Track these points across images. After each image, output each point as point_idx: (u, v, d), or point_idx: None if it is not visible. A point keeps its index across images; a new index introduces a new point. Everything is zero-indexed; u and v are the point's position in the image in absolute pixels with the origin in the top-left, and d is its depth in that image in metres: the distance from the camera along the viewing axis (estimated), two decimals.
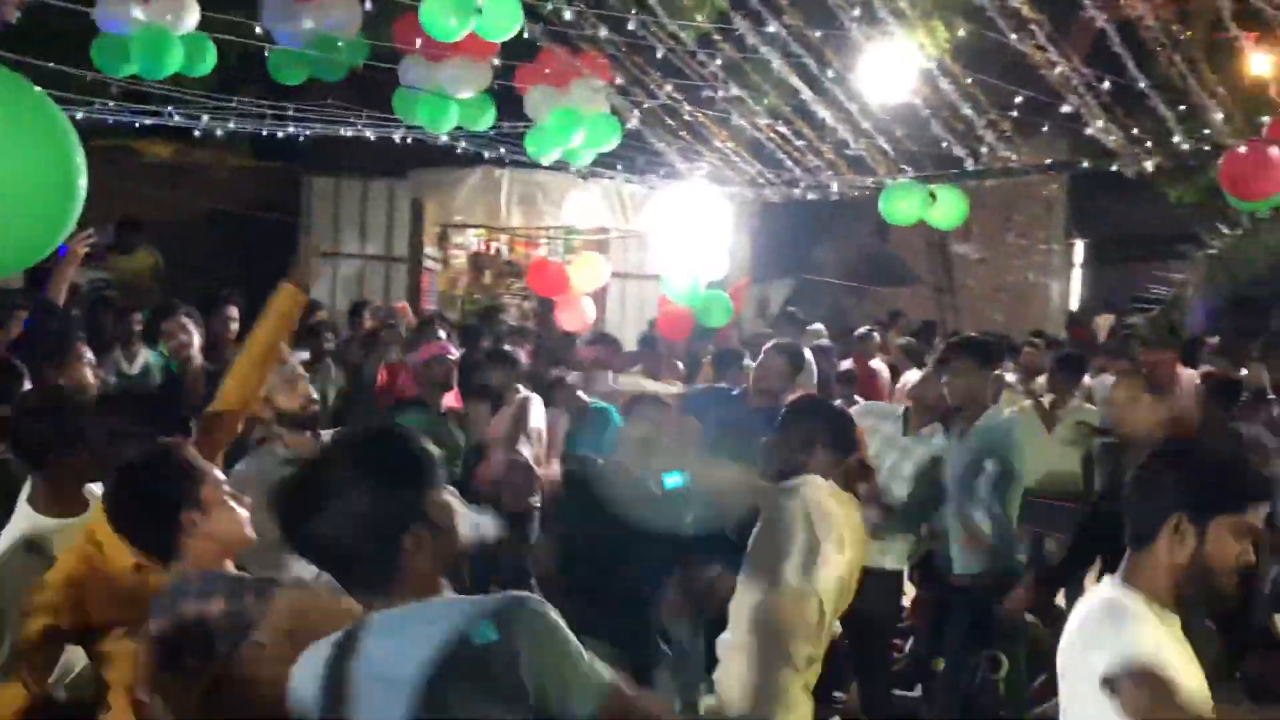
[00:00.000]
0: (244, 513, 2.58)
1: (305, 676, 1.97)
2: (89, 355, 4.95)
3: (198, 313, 6.92)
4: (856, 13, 6.61)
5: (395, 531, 1.89)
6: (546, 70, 7.94)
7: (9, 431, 3.29)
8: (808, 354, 6.08)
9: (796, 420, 3.77)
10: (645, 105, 8.00)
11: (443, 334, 7.89)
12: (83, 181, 1.71)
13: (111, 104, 7.48)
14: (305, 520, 1.91)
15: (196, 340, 6.63)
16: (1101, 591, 2.36)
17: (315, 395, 4.04)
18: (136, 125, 7.85)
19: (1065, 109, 6.87)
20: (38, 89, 1.72)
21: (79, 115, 6.99)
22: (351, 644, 1.92)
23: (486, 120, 8.22)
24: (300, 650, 2.06)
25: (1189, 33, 6.78)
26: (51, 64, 5.90)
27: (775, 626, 3.47)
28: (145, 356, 7.07)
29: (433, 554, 1.93)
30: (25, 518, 3.10)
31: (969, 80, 7.17)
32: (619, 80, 7.95)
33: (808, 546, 3.43)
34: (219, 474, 2.70)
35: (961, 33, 7.42)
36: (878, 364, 8.72)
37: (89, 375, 4.89)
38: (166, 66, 6.72)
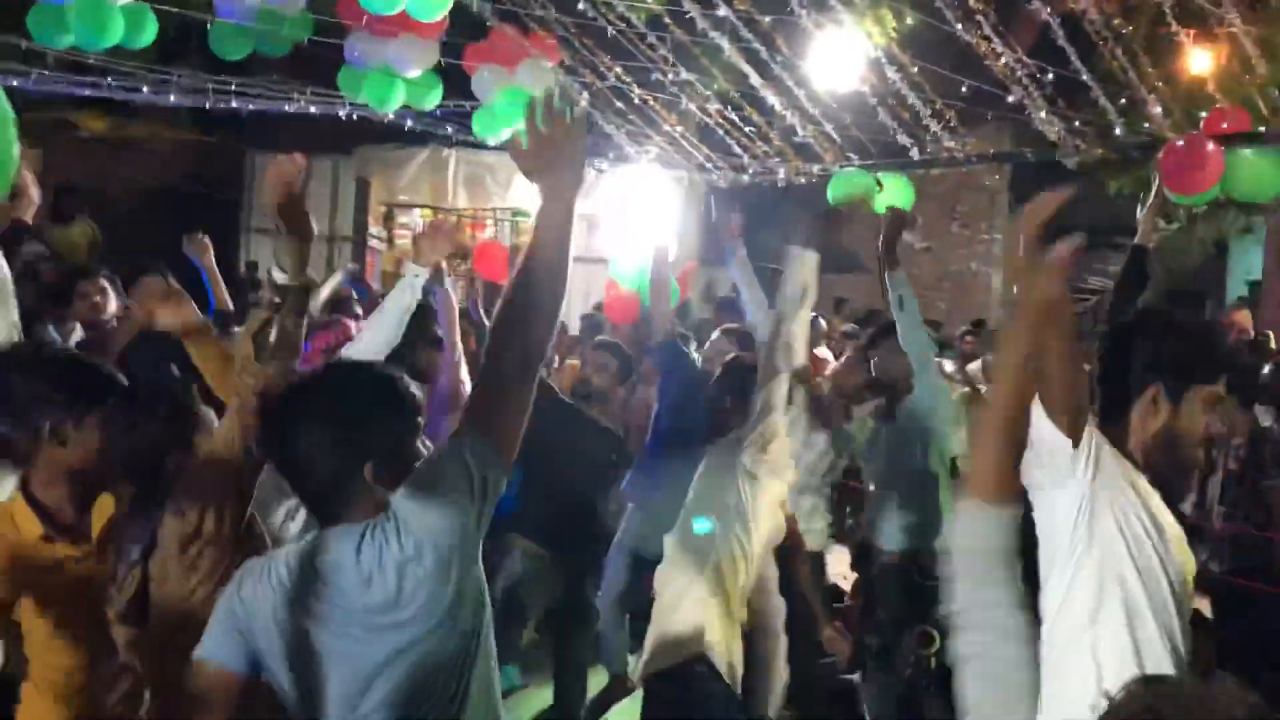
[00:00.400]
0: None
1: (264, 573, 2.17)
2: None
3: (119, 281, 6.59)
4: None
5: (356, 464, 2.11)
6: (495, 50, 7.87)
7: None
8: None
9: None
10: (594, 87, 7.96)
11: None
12: (15, 151, 1.67)
13: (48, 74, 7.29)
14: (281, 445, 2.16)
15: (112, 305, 6.24)
16: None
17: None
18: (73, 96, 7.65)
19: (1009, 100, 6.95)
20: None
21: (14, 84, 6.80)
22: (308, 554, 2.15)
23: (433, 99, 8.13)
24: None
25: (1131, 28, 6.89)
26: None
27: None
28: (80, 332, 6.89)
29: (387, 489, 2.13)
30: None
31: (916, 70, 7.23)
32: (568, 61, 7.90)
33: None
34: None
35: (910, 20, 7.47)
36: (823, 351, 8.79)
37: None
38: (106, 38, 6.56)
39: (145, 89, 7.78)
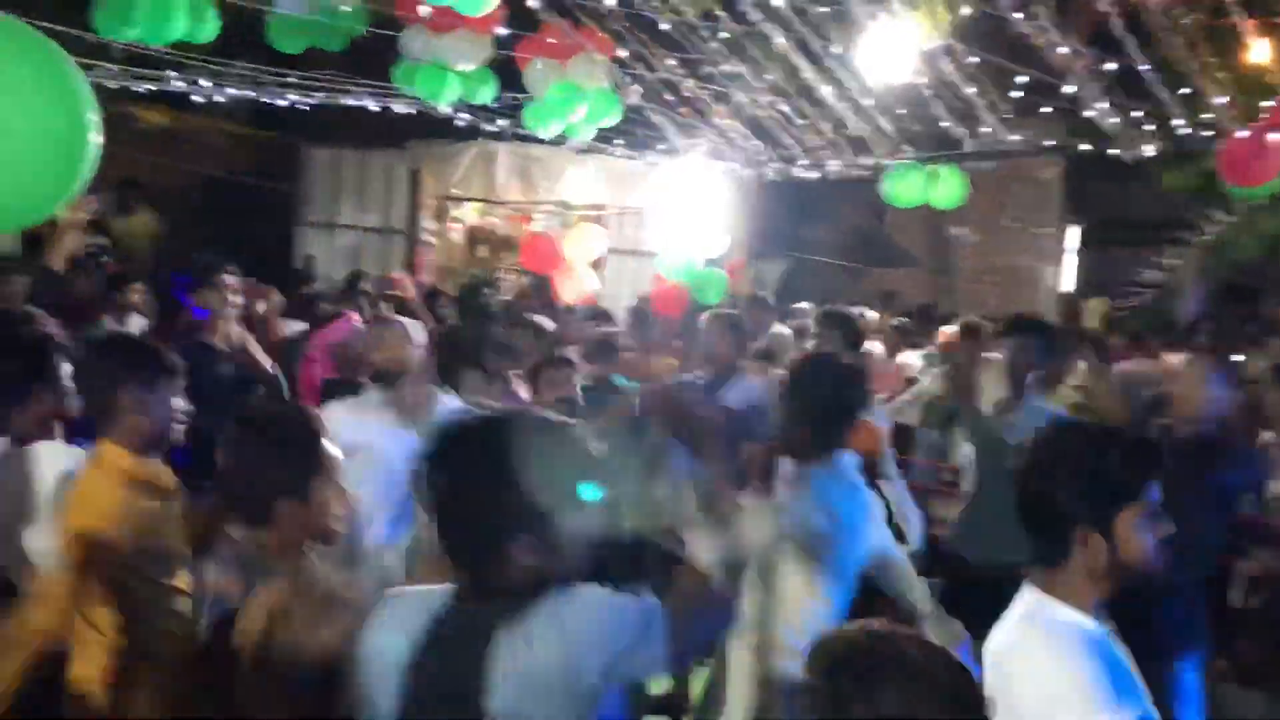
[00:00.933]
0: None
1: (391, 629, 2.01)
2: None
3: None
4: None
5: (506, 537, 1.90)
6: (548, 43, 7.90)
7: None
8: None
9: None
10: (646, 80, 7.97)
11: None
12: (96, 138, 1.71)
13: (112, 67, 7.42)
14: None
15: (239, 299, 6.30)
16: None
17: None
18: (136, 91, 7.80)
19: (1065, 91, 6.86)
20: (52, 42, 1.71)
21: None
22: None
23: (487, 93, 8.19)
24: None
25: (1191, 17, 6.77)
26: (54, 26, 5.85)
27: None
28: (138, 324, 7.01)
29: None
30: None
31: (970, 61, 7.16)
32: (621, 54, 7.91)
33: None
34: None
35: (965, 10, 7.39)
36: (873, 345, 8.73)
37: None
38: (170, 31, 6.66)
39: (204, 83, 7.90)
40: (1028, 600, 2.19)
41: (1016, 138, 7.67)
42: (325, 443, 2.47)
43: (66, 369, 3.19)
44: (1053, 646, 2.07)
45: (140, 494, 2.77)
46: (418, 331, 4.59)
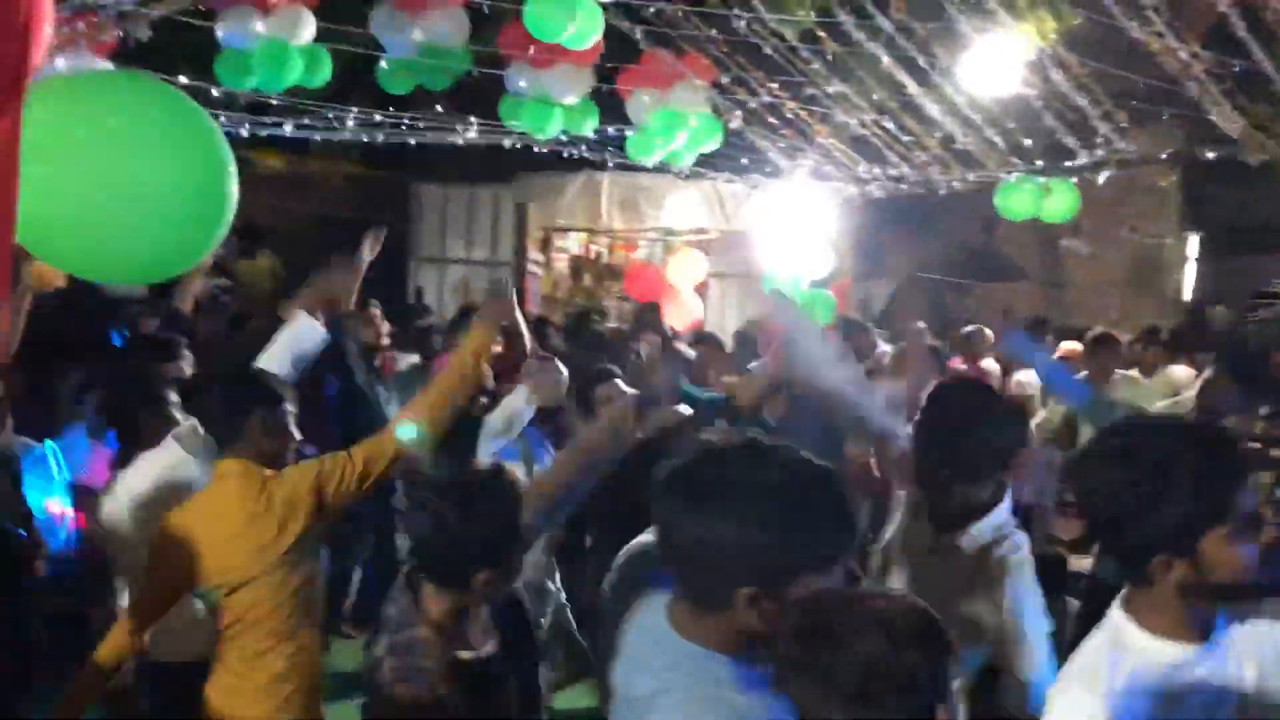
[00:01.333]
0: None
1: None
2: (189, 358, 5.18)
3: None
4: (964, 4, 6.49)
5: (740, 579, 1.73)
6: (649, 73, 7.96)
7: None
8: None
9: None
10: (749, 105, 7.96)
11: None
12: (234, 189, 1.77)
13: (233, 116, 7.72)
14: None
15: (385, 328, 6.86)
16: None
17: None
18: (255, 136, 8.09)
19: (1184, 96, 6.63)
20: (190, 99, 1.78)
21: None
22: None
23: (589, 124, 8.28)
24: None
25: None
26: (181, 78, 6.12)
27: None
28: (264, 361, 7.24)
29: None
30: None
31: (1081, 69, 6.98)
32: (722, 79, 7.92)
33: None
34: None
35: (1075, 20, 7.21)
36: (989, 363, 8.52)
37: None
38: (287, 78, 6.91)
39: (320, 127, 8.15)
40: (1111, 620, 2.04)
41: (1132, 146, 7.44)
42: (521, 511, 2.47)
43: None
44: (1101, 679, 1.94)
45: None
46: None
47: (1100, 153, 7.46)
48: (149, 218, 1.63)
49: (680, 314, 9.67)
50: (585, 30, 6.24)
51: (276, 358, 3.83)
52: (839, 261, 9.20)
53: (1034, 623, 2.80)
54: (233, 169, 1.75)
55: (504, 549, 2.43)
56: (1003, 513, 2.91)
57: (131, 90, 1.67)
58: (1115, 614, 2.03)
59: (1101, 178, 7.92)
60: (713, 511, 1.70)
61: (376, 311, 6.64)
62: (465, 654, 2.42)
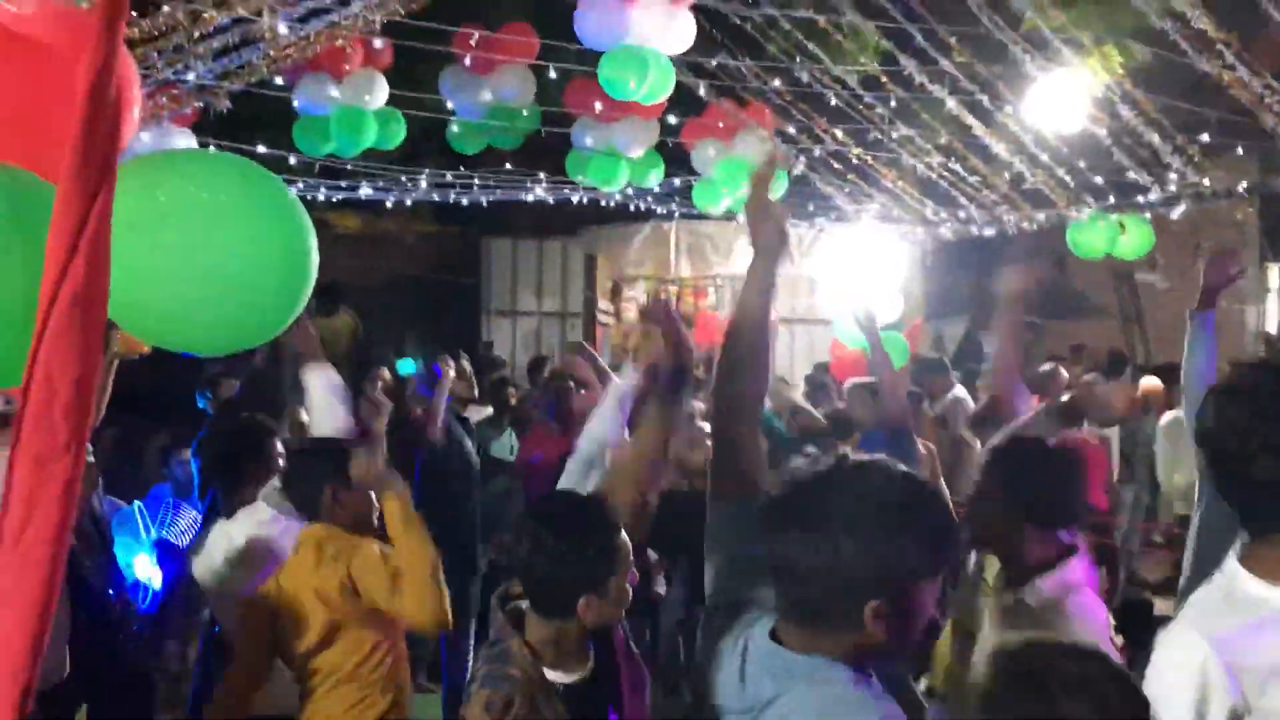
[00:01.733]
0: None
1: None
2: (304, 416, 5.21)
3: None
4: (1027, 44, 6.44)
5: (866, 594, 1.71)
6: (712, 124, 8.03)
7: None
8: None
9: None
10: (815, 153, 7.97)
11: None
12: (315, 261, 1.81)
13: (311, 180, 7.93)
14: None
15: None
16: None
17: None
18: (332, 200, 8.30)
19: (1257, 126, 6.49)
20: (272, 175, 1.83)
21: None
22: None
23: (655, 176, 8.36)
24: None
25: None
26: (259, 147, 6.31)
27: None
28: None
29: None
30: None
31: (1150, 104, 6.87)
32: (788, 128, 7.95)
33: None
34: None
35: (1142, 56, 7.11)
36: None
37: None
38: (362, 141, 7.09)
39: (394, 189, 8.33)
40: (1226, 570, 1.96)
41: (1206, 180, 7.29)
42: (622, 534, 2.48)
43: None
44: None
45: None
46: None
47: (1173, 187, 7.31)
48: (232, 291, 1.67)
49: None
50: (657, 87, 6.31)
51: (328, 417, 3.99)
52: (909, 303, 9.10)
53: None
54: (313, 241, 1.80)
55: (604, 573, 2.42)
56: (1075, 569, 2.83)
57: (214, 166, 1.73)
58: (1230, 564, 1.96)
59: (1176, 212, 7.77)
60: (831, 531, 1.70)
61: (466, 365, 6.77)
62: (555, 676, 2.43)
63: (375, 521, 3.38)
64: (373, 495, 3.33)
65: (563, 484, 3.42)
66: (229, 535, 3.85)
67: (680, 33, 6.18)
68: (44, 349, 1.37)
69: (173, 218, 1.67)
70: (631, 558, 2.52)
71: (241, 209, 1.70)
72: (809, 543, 1.71)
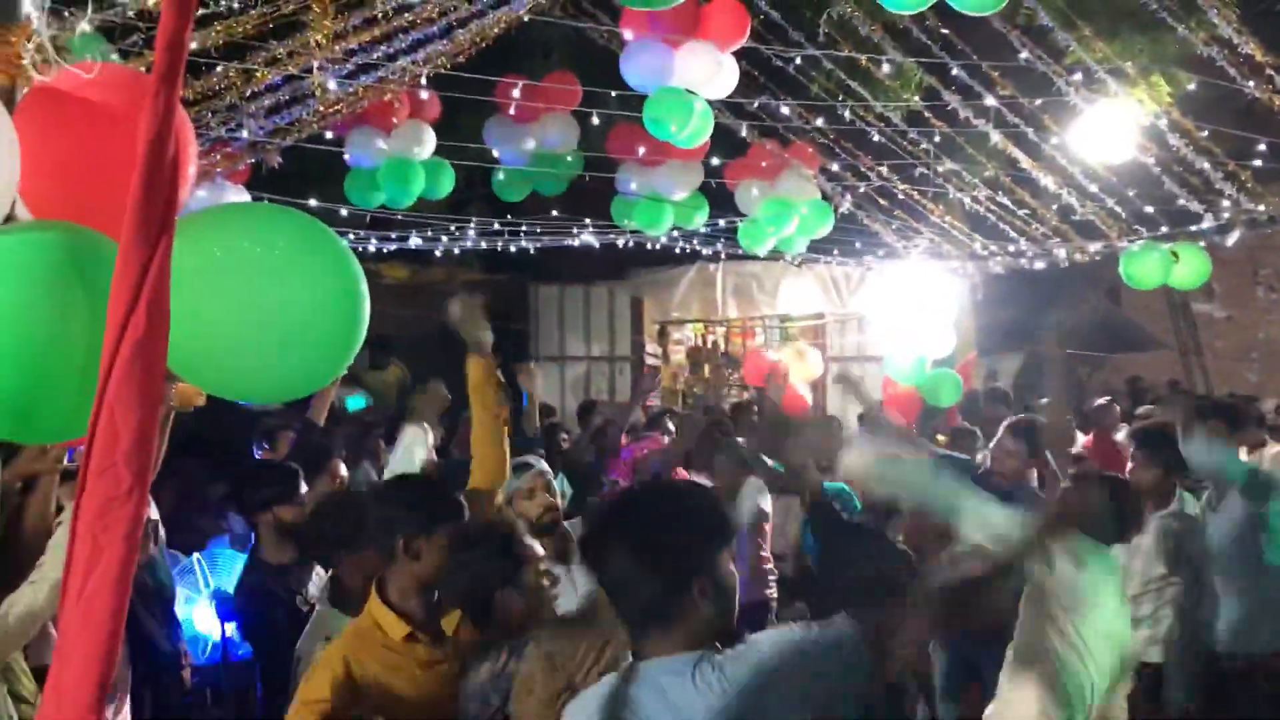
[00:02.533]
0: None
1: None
2: (343, 470, 5.26)
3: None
4: (1075, 76, 6.42)
5: (685, 577, 2.00)
6: (755, 164, 8.07)
7: (300, 532, 3.72)
8: None
9: None
10: (860, 190, 7.97)
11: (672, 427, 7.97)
12: (367, 310, 1.86)
13: (361, 232, 8.07)
14: (604, 554, 2.07)
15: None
16: None
17: (556, 501, 4.13)
18: (381, 251, 8.43)
19: None
20: (325, 226, 1.89)
21: None
22: (622, 694, 2.02)
23: (700, 218, 8.40)
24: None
25: None
26: (311, 201, 6.44)
27: None
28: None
29: (713, 609, 2.02)
30: (331, 617, 3.47)
31: (1199, 132, 6.81)
32: (832, 166, 7.96)
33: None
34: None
35: (1191, 85, 7.06)
36: (1124, 437, 8.19)
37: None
38: (411, 192, 7.22)
39: (443, 239, 8.45)
40: None
41: (1260, 206, 7.19)
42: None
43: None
44: None
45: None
46: None
47: (1226, 214, 7.22)
48: (287, 341, 1.72)
49: (789, 405, 9.55)
50: (699, 129, 6.38)
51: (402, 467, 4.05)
52: (961, 339, 9.03)
53: None
54: (365, 290, 1.84)
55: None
56: None
57: (268, 219, 1.79)
58: None
59: (1230, 239, 7.66)
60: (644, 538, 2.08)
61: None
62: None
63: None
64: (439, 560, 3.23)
65: None
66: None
67: (725, 77, 6.25)
68: (108, 397, 1.42)
69: (229, 269, 1.72)
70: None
71: (296, 260, 1.76)
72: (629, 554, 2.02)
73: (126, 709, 4.10)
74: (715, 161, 7.81)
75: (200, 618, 5.77)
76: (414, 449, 4.40)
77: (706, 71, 6.11)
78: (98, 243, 1.71)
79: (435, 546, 2.96)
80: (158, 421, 1.46)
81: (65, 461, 3.25)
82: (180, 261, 1.50)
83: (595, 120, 7.08)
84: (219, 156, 5.49)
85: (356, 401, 4.83)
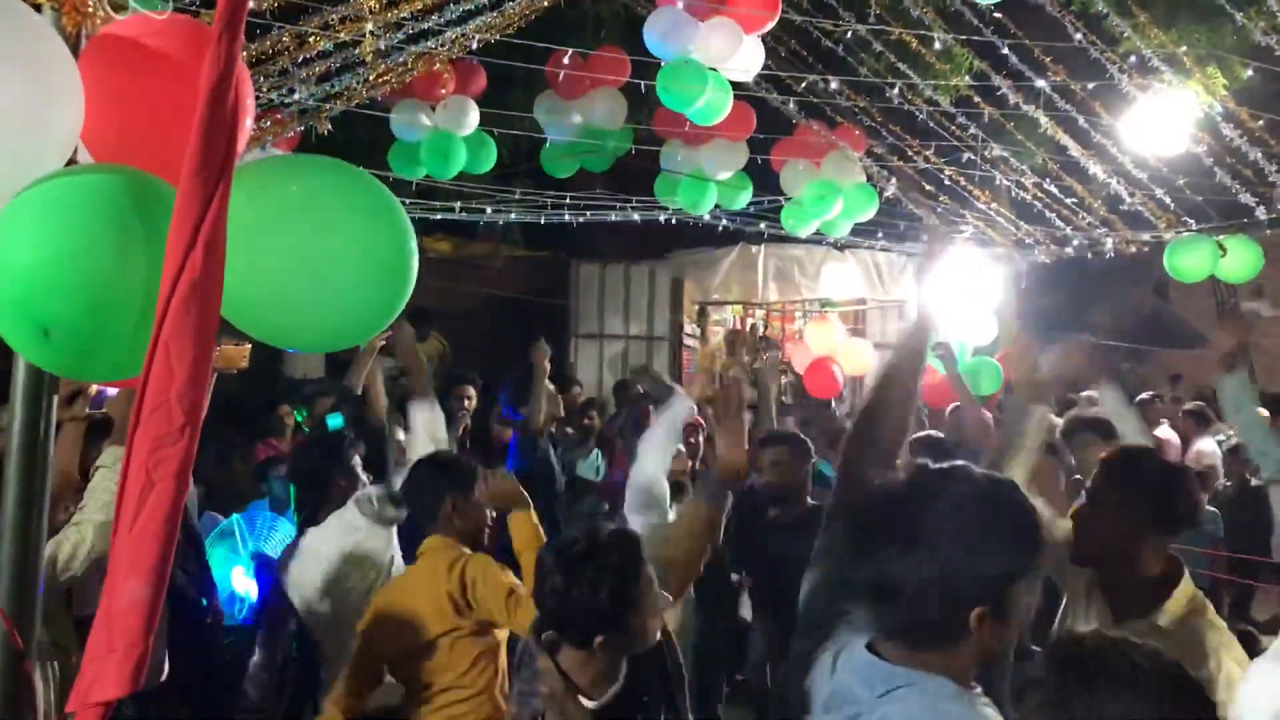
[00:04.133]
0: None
1: None
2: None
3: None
4: (1129, 61, 6.33)
5: (967, 603, 1.75)
6: (801, 144, 8.02)
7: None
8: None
9: None
10: (903, 171, 7.90)
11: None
12: (415, 263, 1.89)
13: (406, 203, 8.12)
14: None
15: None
16: None
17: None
18: (424, 220, 8.48)
19: None
20: (377, 181, 1.93)
21: None
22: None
23: (743, 198, 8.37)
24: None
25: None
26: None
27: None
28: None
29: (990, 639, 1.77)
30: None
31: (1255, 123, 6.69)
32: (878, 148, 7.90)
33: None
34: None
35: (1245, 75, 6.94)
36: (1166, 432, 8.12)
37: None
38: (453, 166, 7.26)
39: (487, 211, 8.49)
40: None
41: None
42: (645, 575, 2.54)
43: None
44: None
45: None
46: None
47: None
48: (339, 290, 1.76)
49: (822, 384, 9.50)
50: (715, 103, 6.34)
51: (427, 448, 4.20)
52: (1003, 328, 8.95)
53: None
54: (414, 242, 1.88)
55: (621, 612, 2.48)
56: (1189, 583, 2.78)
57: (323, 170, 1.83)
58: None
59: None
60: (926, 544, 1.74)
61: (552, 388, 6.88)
62: (586, 701, 2.48)
63: (485, 539, 3.51)
64: (487, 512, 3.45)
65: (626, 509, 3.51)
66: (319, 545, 3.97)
67: (748, 57, 6.20)
68: (164, 335, 1.46)
69: (285, 217, 1.77)
70: (655, 597, 2.56)
71: (349, 211, 1.80)
72: (906, 558, 1.74)
73: (165, 659, 4.19)
74: (760, 140, 7.75)
75: (238, 578, 5.87)
76: (435, 432, 4.51)
77: (727, 48, 6.06)
78: (157, 187, 1.75)
79: (474, 505, 3.50)
80: (211, 362, 1.51)
81: (89, 410, 3.33)
82: (236, 207, 1.54)
83: (643, 89, 7.05)
84: (269, 123, 5.55)
85: (335, 420, 4.90)
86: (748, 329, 14.06)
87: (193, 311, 1.46)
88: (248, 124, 1.87)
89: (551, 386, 7.14)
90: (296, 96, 5.15)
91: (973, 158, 7.68)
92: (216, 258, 1.49)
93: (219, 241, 1.49)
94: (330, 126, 5.56)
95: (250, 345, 2.58)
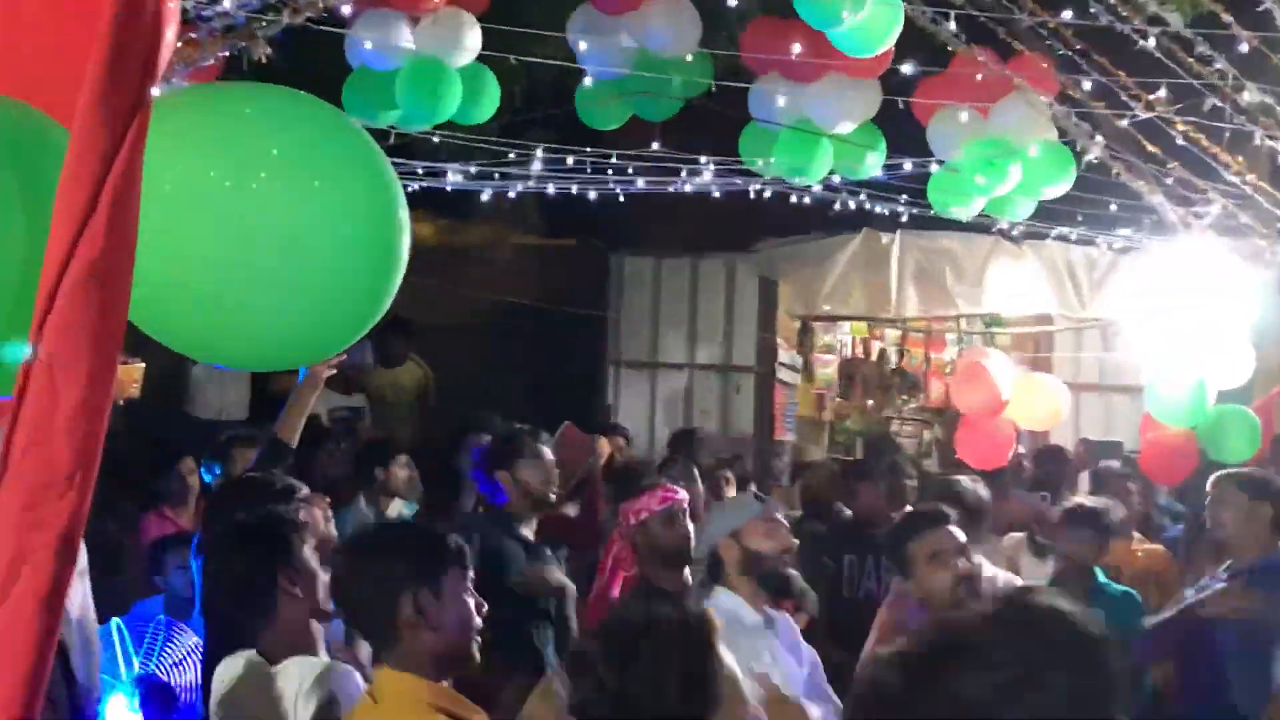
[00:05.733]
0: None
1: None
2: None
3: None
4: None
5: None
6: (960, 83, 7.98)
7: None
8: None
9: None
10: (1121, 126, 7.86)
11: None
12: (406, 240, 1.92)
13: None
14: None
15: None
16: None
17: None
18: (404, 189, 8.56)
19: None
20: (351, 121, 1.96)
21: None
22: None
23: (873, 163, 8.36)
24: None
25: None
26: None
27: None
28: (398, 508, 7.61)
29: None
30: None
31: None
32: (1073, 92, 7.87)
33: None
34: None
35: None
36: None
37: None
38: (440, 110, 7.28)
39: (490, 178, 8.53)
40: None
41: None
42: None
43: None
44: None
45: None
46: None
47: None
48: (299, 277, 1.78)
49: (979, 450, 9.41)
50: (880, 27, 6.37)
51: None
52: (1265, 360, 8.86)
53: None
54: (405, 210, 1.91)
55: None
56: None
57: (278, 102, 1.85)
58: None
59: None
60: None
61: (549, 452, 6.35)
62: None
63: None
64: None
65: None
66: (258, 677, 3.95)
67: None
68: (46, 338, 1.48)
69: (229, 170, 1.78)
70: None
71: (317, 158, 1.81)
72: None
73: None
74: (904, 75, 7.69)
75: (115, 711, 5.92)
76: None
77: None
78: (45, 127, 1.78)
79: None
80: (114, 379, 1.53)
81: None
82: (154, 157, 1.57)
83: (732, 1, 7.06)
84: (180, 43, 5.66)
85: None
86: (874, 357, 14.04)
87: (91, 303, 1.49)
88: (171, 38, 1.91)
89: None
90: (223, 5, 5.24)
91: (1219, 105, 7.62)
92: (125, 227, 1.52)
93: (129, 205, 1.52)
94: (269, 50, 5.65)
95: (143, 365, 2.62)
